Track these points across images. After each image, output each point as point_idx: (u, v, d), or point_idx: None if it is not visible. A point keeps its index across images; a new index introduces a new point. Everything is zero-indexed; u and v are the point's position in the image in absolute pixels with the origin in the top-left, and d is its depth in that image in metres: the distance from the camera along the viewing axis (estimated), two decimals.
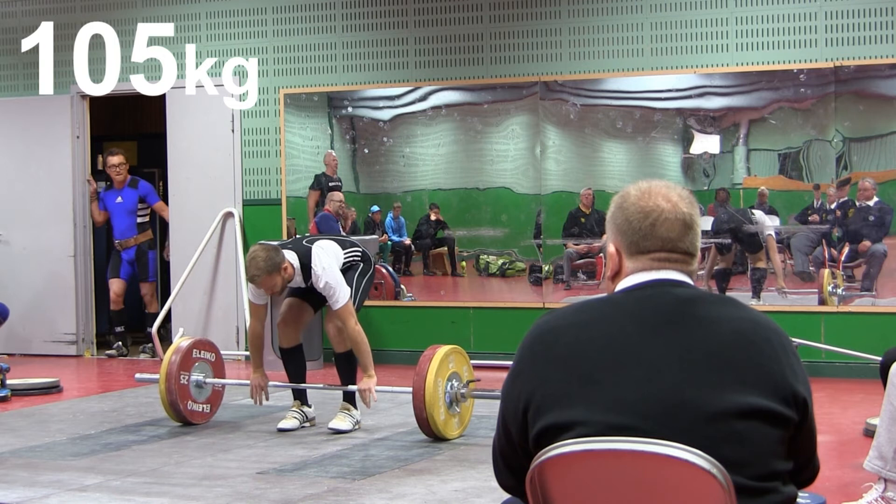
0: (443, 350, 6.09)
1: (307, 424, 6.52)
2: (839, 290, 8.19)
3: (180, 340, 6.78)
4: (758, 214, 8.42)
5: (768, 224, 8.38)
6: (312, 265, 6.14)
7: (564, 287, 8.93)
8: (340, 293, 6.15)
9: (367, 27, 9.29)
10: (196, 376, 6.63)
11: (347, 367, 6.41)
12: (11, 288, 10.15)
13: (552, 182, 8.86)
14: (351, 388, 6.37)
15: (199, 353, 6.75)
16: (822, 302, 8.24)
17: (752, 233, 8.41)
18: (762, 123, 8.37)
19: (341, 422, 6.34)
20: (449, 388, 6.07)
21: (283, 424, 6.43)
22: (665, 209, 2.20)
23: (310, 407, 6.58)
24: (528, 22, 8.87)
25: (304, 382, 6.59)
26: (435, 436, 6.01)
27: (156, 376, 6.68)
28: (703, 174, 8.54)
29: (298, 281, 6.22)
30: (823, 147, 8.19)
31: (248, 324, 9.26)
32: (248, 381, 6.66)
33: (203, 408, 6.71)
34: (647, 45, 8.57)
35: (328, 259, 6.20)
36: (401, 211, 9.32)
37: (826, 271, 8.22)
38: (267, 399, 6.50)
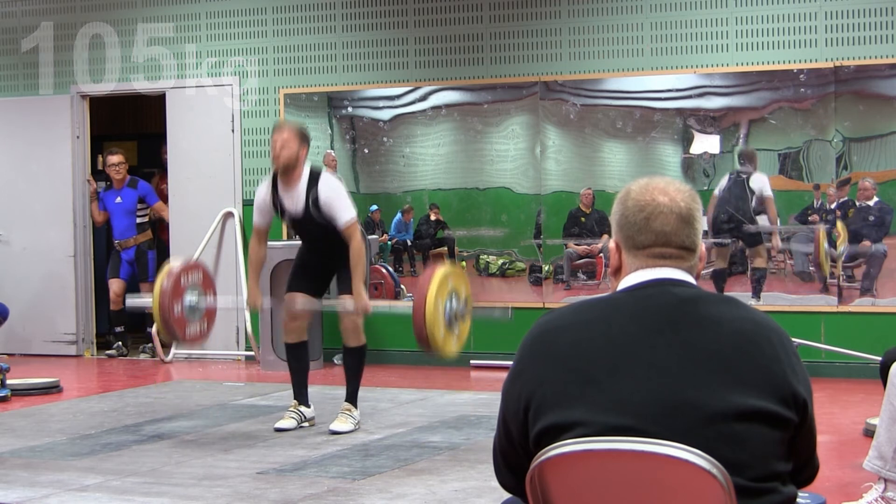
0: (442, 270, 6.03)
1: (305, 424, 6.50)
2: (838, 248, 8.14)
3: (169, 268, 6.60)
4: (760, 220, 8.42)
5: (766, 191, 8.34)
6: (322, 176, 6.20)
7: (564, 287, 8.93)
8: (344, 209, 6.15)
9: (367, 27, 9.29)
10: (189, 299, 6.52)
11: (355, 363, 6.38)
12: (11, 288, 10.15)
13: (552, 182, 8.86)
14: (348, 306, 6.24)
15: (188, 278, 6.60)
16: (818, 265, 8.20)
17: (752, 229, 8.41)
18: (762, 123, 8.37)
19: (342, 423, 6.34)
20: (448, 307, 6.04)
21: (280, 424, 6.43)
22: (661, 203, 2.20)
23: (309, 407, 6.57)
24: (528, 22, 8.87)
25: (307, 381, 6.55)
26: (435, 353, 6.01)
27: (148, 301, 6.63)
28: (703, 174, 8.54)
29: (299, 196, 6.16)
30: (823, 147, 8.19)
31: (248, 322, 9.32)
32: (236, 304, 6.61)
33: (201, 327, 6.64)
34: (647, 45, 8.57)
35: (337, 184, 6.26)
36: (412, 215, 9.28)
37: (821, 230, 8.16)
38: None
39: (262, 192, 6.34)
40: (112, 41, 10.03)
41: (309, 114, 9.48)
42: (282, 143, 6.13)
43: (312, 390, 7.45)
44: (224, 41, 9.69)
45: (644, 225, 2.20)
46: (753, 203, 8.39)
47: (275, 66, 9.57)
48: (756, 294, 8.38)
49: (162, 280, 6.30)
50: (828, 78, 8.11)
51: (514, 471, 2.24)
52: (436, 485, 5.12)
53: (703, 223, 2.28)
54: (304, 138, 6.21)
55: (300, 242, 6.64)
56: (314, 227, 6.23)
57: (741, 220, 8.38)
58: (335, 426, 6.32)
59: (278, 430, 6.38)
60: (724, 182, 8.42)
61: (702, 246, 2.25)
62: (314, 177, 6.20)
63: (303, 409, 6.52)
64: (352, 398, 6.42)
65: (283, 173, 6.19)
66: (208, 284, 6.65)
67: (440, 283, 5.88)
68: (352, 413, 6.39)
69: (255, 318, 9.22)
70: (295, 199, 6.21)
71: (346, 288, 6.27)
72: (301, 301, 6.32)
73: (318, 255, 6.38)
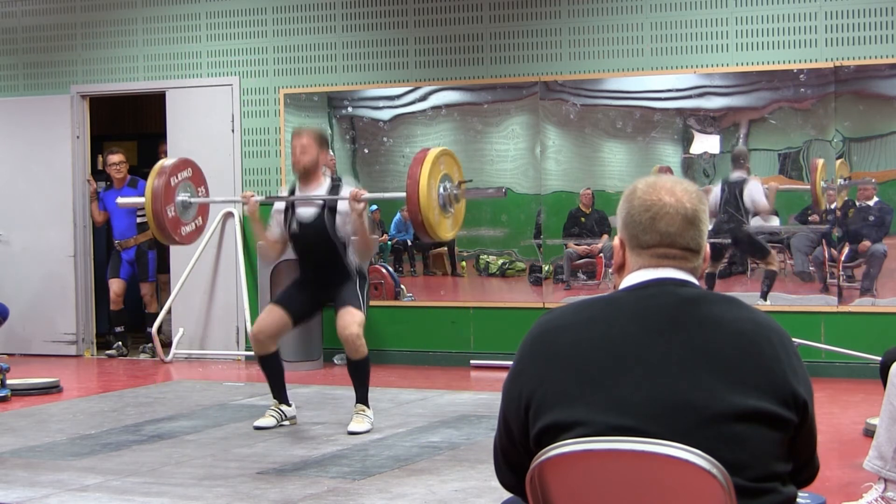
0: (434, 152, 5.98)
1: (286, 423, 6.51)
2: (833, 182, 8.15)
3: (160, 165, 6.50)
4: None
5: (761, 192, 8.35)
6: (343, 183, 6.34)
7: (564, 287, 8.93)
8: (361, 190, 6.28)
9: (367, 27, 9.29)
10: (181, 197, 6.43)
11: (361, 373, 6.36)
12: (11, 288, 10.15)
13: (552, 182, 8.86)
14: (342, 197, 6.21)
15: (178, 178, 6.52)
16: (815, 201, 8.18)
17: (754, 238, 8.41)
18: (762, 123, 8.37)
19: (359, 424, 6.32)
20: (442, 189, 6.00)
21: (259, 423, 6.44)
22: (667, 203, 2.20)
23: (290, 406, 6.57)
24: (528, 22, 8.87)
25: (284, 383, 6.52)
26: (431, 237, 5.98)
27: (139, 200, 6.64)
28: (703, 174, 8.54)
29: (316, 205, 6.23)
30: (823, 147, 8.19)
31: (248, 322, 9.32)
32: (231, 199, 6.56)
33: (195, 223, 6.57)
34: (647, 45, 8.57)
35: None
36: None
37: (821, 163, 8.15)
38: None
39: (281, 204, 6.46)
40: (112, 41, 10.04)
41: (309, 114, 9.48)
42: (301, 148, 6.27)
43: (312, 390, 7.47)
44: (224, 41, 9.69)
45: (649, 225, 2.20)
46: (750, 221, 8.38)
47: (275, 66, 9.57)
48: (764, 296, 8.35)
49: (153, 180, 6.26)
50: (828, 78, 8.11)
51: (514, 470, 2.24)
52: (436, 485, 5.12)
53: (708, 223, 2.27)
54: (322, 142, 6.36)
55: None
56: (318, 237, 6.25)
57: (741, 238, 8.38)
58: (353, 427, 6.31)
59: (258, 428, 6.39)
60: (716, 192, 8.38)
61: (706, 247, 2.25)
62: (336, 184, 6.33)
63: (283, 407, 6.52)
64: (363, 400, 6.41)
65: (303, 177, 6.33)
66: (198, 180, 6.60)
67: (432, 166, 5.86)
68: (366, 413, 6.39)
69: (255, 318, 9.21)
70: (309, 213, 6.29)
71: (343, 301, 6.24)
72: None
73: (312, 282, 6.37)
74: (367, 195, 6.21)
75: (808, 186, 8.21)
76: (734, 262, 8.54)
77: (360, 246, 6.20)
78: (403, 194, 5.98)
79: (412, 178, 5.85)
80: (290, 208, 6.35)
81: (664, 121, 8.56)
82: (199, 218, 6.64)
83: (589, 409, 2.06)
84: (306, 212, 6.30)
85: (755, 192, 8.30)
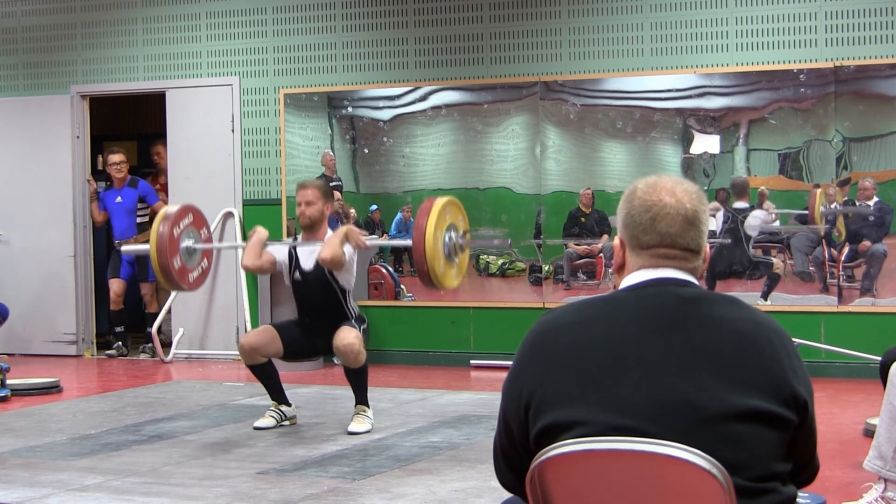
0: (440, 202, 6.00)
1: (286, 423, 6.51)
2: (829, 207, 8.16)
3: (164, 212, 6.54)
4: (756, 215, 8.40)
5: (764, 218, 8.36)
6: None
7: (564, 287, 8.93)
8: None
9: (367, 27, 9.29)
10: (185, 244, 6.44)
11: (360, 379, 6.37)
12: (11, 288, 10.15)
13: (552, 182, 8.86)
14: (352, 235, 6.21)
15: (180, 226, 6.52)
16: (812, 222, 8.19)
17: (756, 260, 8.41)
18: (762, 123, 8.37)
19: (360, 424, 6.33)
20: (447, 239, 6.04)
21: (259, 423, 6.44)
22: (668, 204, 2.20)
23: (289, 406, 6.57)
24: (528, 22, 8.87)
25: (280, 385, 6.52)
26: (436, 286, 6.02)
27: (143, 247, 6.64)
28: (703, 174, 8.54)
29: (316, 250, 6.22)
30: (823, 147, 8.19)
31: (248, 322, 9.32)
32: (235, 245, 6.55)
33: (201, 267, 6.58)
34: (647, 45, 8.57)
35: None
36: (411, 213, 9.29)
37: (819, 191, 8.17)
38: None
39: (284, 248, 6.46)
40: (112, 41, 10.04)
41: (309, 114, 9.49)
42: (307, 201, 6.27)
43: (312, 390, 7.46)
44: (224, 41, 9.69)
45: (649, 225, 2.20)
46: (751, 249, 8.39)
47: (275, 66, 9.56)
48: (764, 296, 8.36)
49: (157, 229, 6.26)
50: (828, 78, 8.11)
51: (514, 470, 2.24)
52: (436, 485, 5.12)
53: (709, 224, 2.27)
54: (328, 195, 6.36)
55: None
56: (318, 283, 6.27)
57: (744, 265, 8.39)
58: (353, 427, 6.31)
59: (257, 428, 6.40)
60: (719, 218, 8.40)
61: (706, 247, 2.25)
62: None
63: (283, 408, 6.53)
64: (363, 401, 6.42)
65: (308, 229, 6.34)
66: (200, 223, 6.60)
67: (438, 215, 5.87)
68: (367, 413, 6.40)
69: (255, 318, 9.22)
70: (311, 253, 6.30)
71: (339, 327, 6.26)
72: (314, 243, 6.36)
73: (311, 328, 6.39)
74: (368, 243, 6.30)
75: (808, 211, 8.26)
76: (734, 262, 8.53)
77: (326, 247, 6.15)
78: (409, 243, 6.02)
79: (419, 229, 5.89)
80: (294, 259, 6.37)
81: (664, 121, 8.56)
82: (205, 260, 6.66)
83: (589, 409, 2.06)
84: (309, 261, 6.32)
85: (761, 219, 8.34)
